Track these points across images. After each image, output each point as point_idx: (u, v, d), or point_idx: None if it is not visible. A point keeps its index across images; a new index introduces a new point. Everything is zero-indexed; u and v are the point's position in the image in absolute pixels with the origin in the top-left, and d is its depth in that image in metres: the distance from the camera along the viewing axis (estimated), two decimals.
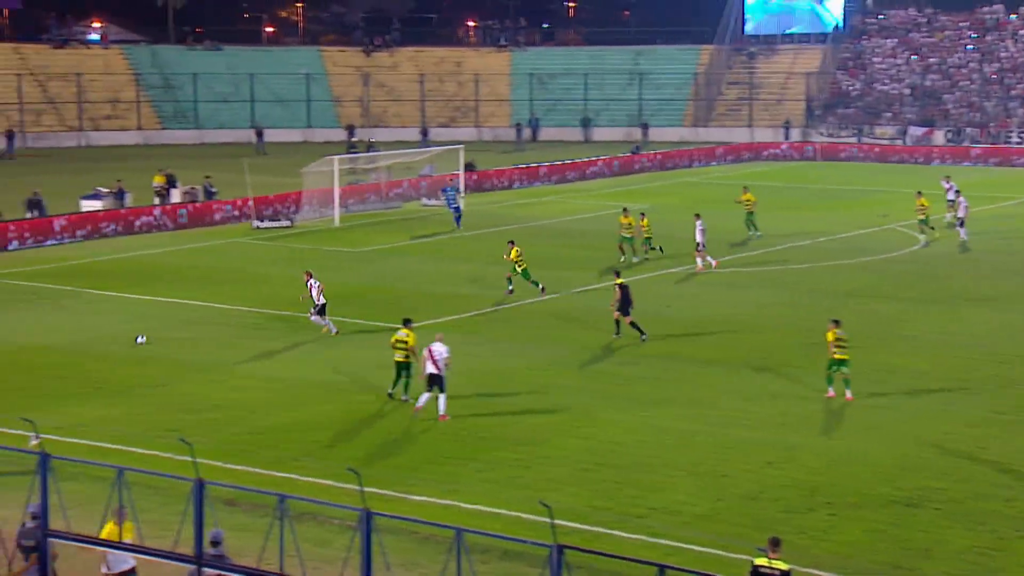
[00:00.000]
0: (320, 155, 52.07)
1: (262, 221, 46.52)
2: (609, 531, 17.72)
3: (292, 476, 19.63)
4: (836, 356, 23.96)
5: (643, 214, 40.03)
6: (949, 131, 74.50)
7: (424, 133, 77.41)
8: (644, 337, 28.46)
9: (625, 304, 28.53)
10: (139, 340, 28.29)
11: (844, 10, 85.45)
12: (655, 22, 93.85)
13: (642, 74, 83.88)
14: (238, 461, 20.26)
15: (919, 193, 43.93)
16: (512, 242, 33.85)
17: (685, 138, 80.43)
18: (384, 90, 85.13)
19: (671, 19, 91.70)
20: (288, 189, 49.80)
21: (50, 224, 42.50)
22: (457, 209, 46.12)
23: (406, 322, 24.26)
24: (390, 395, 23.95)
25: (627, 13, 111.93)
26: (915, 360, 27.02)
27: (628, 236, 38.72)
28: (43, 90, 77.32)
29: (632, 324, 28.56)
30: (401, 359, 23.63)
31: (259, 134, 74.69)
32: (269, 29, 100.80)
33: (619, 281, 28.87)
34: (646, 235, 39.08)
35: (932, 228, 42.87)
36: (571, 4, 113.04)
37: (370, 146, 65.89)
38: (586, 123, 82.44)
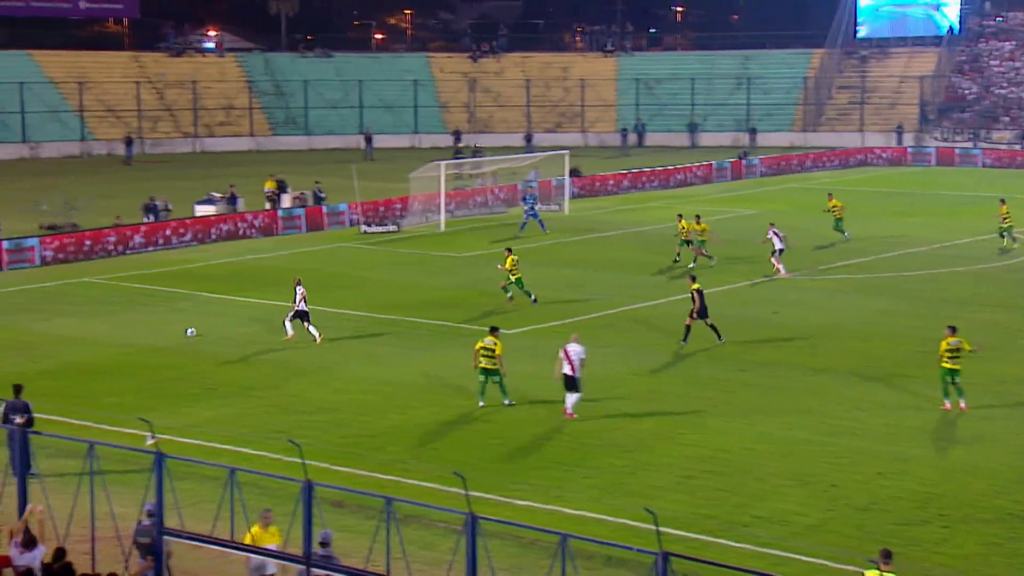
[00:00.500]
0: (427, 160, 52.51)
1: (369, 226, 47.07)
2: (715, 539, 17.54)
3: (398, 479, 19.82)
4: (946, 366, 23.50)
5: (698, 217, 40.23)
6: None
7: (529, 138, 77.61)
8: (721, 340, 28.33)
9: (702, 308, 28.44)
10: (189, 333, 29.48)
11: (960, 13, 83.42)
12: (764, 26, 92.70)
13: (751, 78, 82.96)
14: (345, 463, 20.52)
15: (1002, 201, 42.90)
16: (509, 250, 33.61)
17: (794, 143, 79.24)
18: (490, 96, 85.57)
19: (781, 23, 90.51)
20: (395, 194, 50.32)
21: (165, 228, 43.58)
22: (535, 215, 45.89)
23: (493, 330, 24.42)
24: (481, 406, 23.84)
25: (736, 17, 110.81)
26: None
27: (687, 239, 39.16)
28: (160, 97, 79.41)
29: (711, 326, 28.42)
30: (488, 366, 23.70)
31: (368, 139, 75.63)
32: (378, 36, 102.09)
33: (694, 287, 28.76)
34: (700, 239, 39.10)
35: (1014, 238, 41.45)
36: (679, 9, 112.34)
37: (476, 151, 66.25)
38: (693, 128, 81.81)
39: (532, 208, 46.52)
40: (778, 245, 37.17)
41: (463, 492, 13.97)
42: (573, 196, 54.19)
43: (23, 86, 71.97)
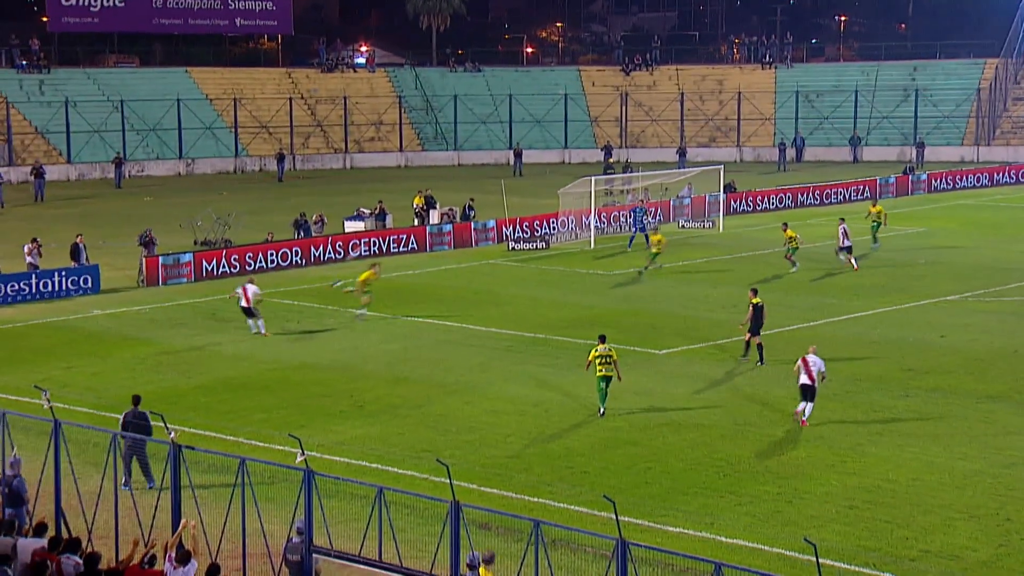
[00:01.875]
0: (577, 176, 52.62)
1: (518, 243, 47.40)
2: (879, 572, 17.11)
3: (546, 502, 19.88)
4: None
5: (785, 224, 42.10)
6: None
7: (682, 153, 77.17)
8: (761, 363, 28.33)
9: (756, 324, 28.54)
10: (336, 284, 30.70)
11: None
12: (934, 35, 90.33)
13: (919, 90, 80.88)
14: (492, 484, 20.68)
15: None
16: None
17: (965, 158, 76.88)
18: (642, 109, 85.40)
19: (952, 31, 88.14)
20: (544, 210, 50.60)
21: (315, 244, 44.70)
22: (643, 229, 46.24)
23: (602, 338, 25.17)
24: (601, 415, 24.62)
25: (903, 26, 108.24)
26: None
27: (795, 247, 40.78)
28: (311, 113, 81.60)
29: (758, 346, 28.57)
30: (608, 373, 24.63)
31: (517, 155, 76.21)
32: (529, 50, 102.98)
33: (755, 300, 28.80)
34: (793, 245, 40.48)
35: None
36: (842, 18, 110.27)
37: (627, 167, 66.20)
38: (855, 142, 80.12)
39: (641, 222, 46.77)
40: (845, 243, 39.98)
41: (613, 517, 13.96)
42: (728, 213, 53.62)
43: (180, 103, 74.83)
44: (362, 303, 34.52)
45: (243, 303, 32.59)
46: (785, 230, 41.38)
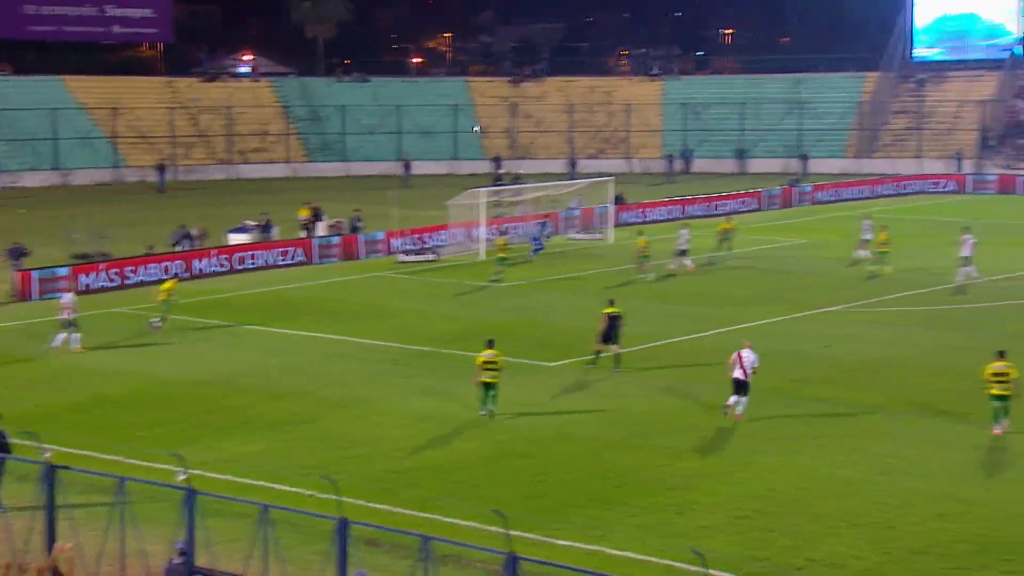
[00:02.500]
0: (466, 187, 52.77)
1: (407, 255, 47.30)
2: None
3: (435, 516, 19.85)
4: (994, 392, 24.03)
5: (640, 232, 44.34)
6: None
7: (572, 164, 77.83)
8: (617, 370, 28.94)
9: (611, 333, 29.12)
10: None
11: (1022, 35, 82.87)
12: (816, 48, 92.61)
13: (802, 103, 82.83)
14: (380, 500, 20.58)
15: (884, 228, 44.37)
16: None
17: (847, 170, 78.93)
18: (532, 121, 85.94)
19: (834, 45, 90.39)
20: (433, 222, 50.57)
21: (198, 257, 44.02)
22: (537, 241, 48.20)
23: (490, 343, 25.73)
24: (482, 415, 25.23)
25: (786, 39, 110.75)
26: None
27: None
28: (194, 123, 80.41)
29: (616, 356, 29.24)
30: (491, 379, 25.20)
31: (406, 166, 76.10)
32: (416, 60, 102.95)
33: (609, 310, 29.46)
34: (645, 254, 42.40)
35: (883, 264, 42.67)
36: (727, 31, 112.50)
37: (516, 178, 66.55)
38: (741, 154, 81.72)
39: (539, 238, 48.51)
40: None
41: (503, 531, 14.00)
42: (617, 224, 54.21)
43: (55, 112, 73.07)
44: (161, 310, 34.66)
45: (66, 315, 31.71)
46: (639, 239, 42.90)
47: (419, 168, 77.83)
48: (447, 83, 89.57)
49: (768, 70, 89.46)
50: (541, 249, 48.03)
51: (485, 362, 25.30)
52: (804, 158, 78.66)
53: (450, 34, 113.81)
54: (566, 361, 30.59)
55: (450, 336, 33.55)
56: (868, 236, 45.87)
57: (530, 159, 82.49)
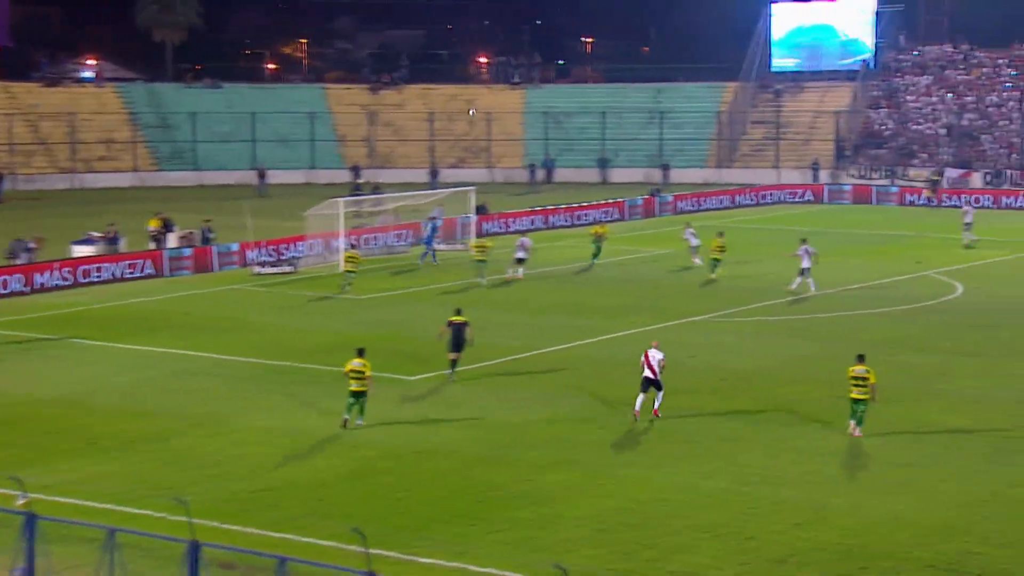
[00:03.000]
0: (324, 197, 52.38)
1: (263, 267, 46.72)
2: None
3: (294, 537, 19.61)
4: (853, 395, 25.07)
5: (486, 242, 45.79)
6: (988, 173, 74.56)
7: (434, 174, 77.88)
8: (451, 377, 29.65)
9: (456, 342, 29.78)
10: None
11: (876, 46, 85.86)
12: (676, 58, 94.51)
13: (663, 112, 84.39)
14: (236, 521, 20.25)
15: (720, 234, 45.86)
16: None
17: (708, 179, 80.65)
18: (391, 129, 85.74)
19: (693, 55, 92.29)
20: (290, 233, 50.07)
21: (39, 270, 42.72)
22: (429, 242, 48.66)
23: (360, 352, 25.91)
24: (345, 423, 25.56)
25: (646, 49, 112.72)
26: (954, 416, 26.94)
27: (481, 259, 44.09)
28: (34, 130, 78.08)
29: (453, 361, 29.85)
30: (359, 388, 25.53)
31: (261, 175, 75.18)
32: (271, 66, 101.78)
33: (454, 318, 30.13)
34: (480, 257, 44.11)
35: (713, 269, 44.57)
36: (588, 40, 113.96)
37: (376, 188, 66.30)
38: (603, 164, 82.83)
39: (431, 238, 48.85)
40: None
41: (362, 550, 13.91)
42: (479, 234, 54.38)
43: None
44: None
45: None
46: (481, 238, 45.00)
47: (275, 177, 76.97)
48: (304, 90, 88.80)
49: (629, 79, 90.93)
50: (431, 252, 48.57)
51: (352, 371, 25.58)
52: (666, 168, 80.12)
53: (306, 40, 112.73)
54: (429, 374, 30.55)
55: (309, 350, 33.24)
56: (695, 243, 47.67)
57: (390, 168, 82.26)
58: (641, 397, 26.38)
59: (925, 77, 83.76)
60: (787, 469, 23.41)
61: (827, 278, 44.67)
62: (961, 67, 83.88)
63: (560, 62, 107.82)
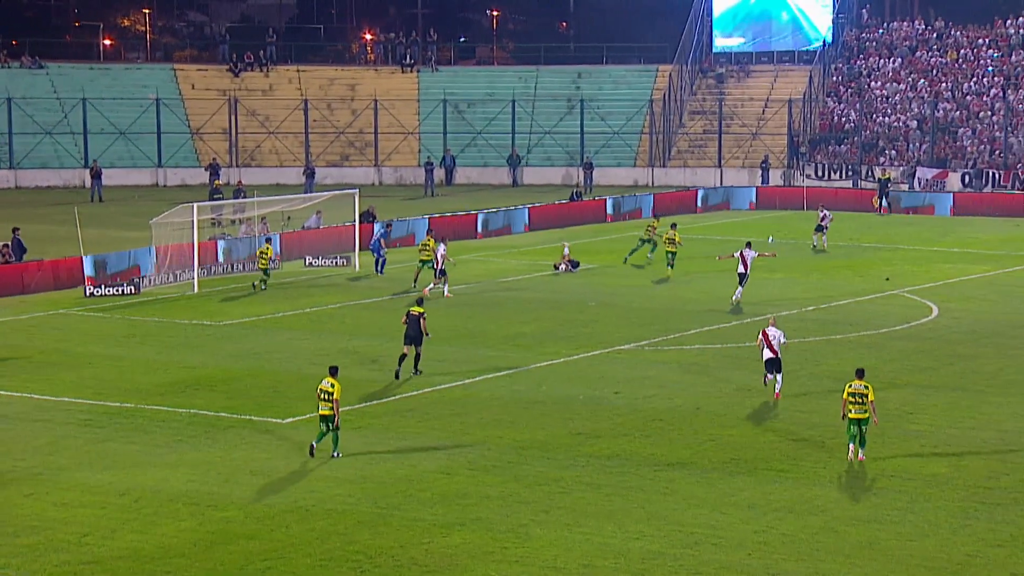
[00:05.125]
0: (174, 202, 51.89)
1: (98, 287, 46.19)
2: None
3: None
4: (853, 416, 26.81)
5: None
6: (967, 174, 76.18)
7: (310, 174, 77.58)
8: (415, 373, 33.74)
9: (411, 335, 33.47)
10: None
11: (834, 22, 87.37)
12: (600, 36, 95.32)
13: (584, 100, 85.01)
14: None
15: (673, 226, 51.14)
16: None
17: (639, 181, 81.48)
18: (257, 120, 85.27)
19: (621, 33, 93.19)
20: (134, 245, 49.47)
21: None
22: (378, 250, 50.34)
23: (332, 371, 27.64)
24: (312, 448, 27.17)
25: (564, 25, 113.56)
26: (928, 463, 27.42)
27: (426, 259, 46.58)
28: None
29: (416, 355, 33.69)
30: (326, 412, 27.10)
31: (96, 175, 74.31)
32: (107, 42, 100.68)
33: (414, 309, 33.75)
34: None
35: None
36: (495, 13, 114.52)
37: (239, 191, 65.88)
38: (514, 162, 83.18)
39: (380, 245, 50.55)
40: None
41: None
42: (365, 247, 54.26)
43: None
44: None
45: None
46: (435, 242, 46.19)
47: (113, 178, 76.22)
48: (148, 71, 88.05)
49: (544, 61, 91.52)
50: (383, 261, 50.00)
51: (321, 391, 27.29)
52: (589, 167, 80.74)
53: (150, 10, 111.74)
54: (304, 416, 30.37)
55: (156, 389, 32.91)
56: (566, 252, 50.90)
57: (256, 167, 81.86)
58: (769, 378, 31.55)
59: (892, 60, 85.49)
60: (735, 527, 23.63)
61: (781, 297, 45.30)
62: (935, 48, 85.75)
63: (461, 39, 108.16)
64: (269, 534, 23.22)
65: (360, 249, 52.52)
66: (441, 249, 46.26)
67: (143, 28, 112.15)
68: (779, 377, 31.50)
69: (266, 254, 47.06)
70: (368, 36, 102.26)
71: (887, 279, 49.49)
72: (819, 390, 32.86)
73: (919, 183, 76.00)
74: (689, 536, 23.18)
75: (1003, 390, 33.41)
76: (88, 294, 45.73)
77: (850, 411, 26.72)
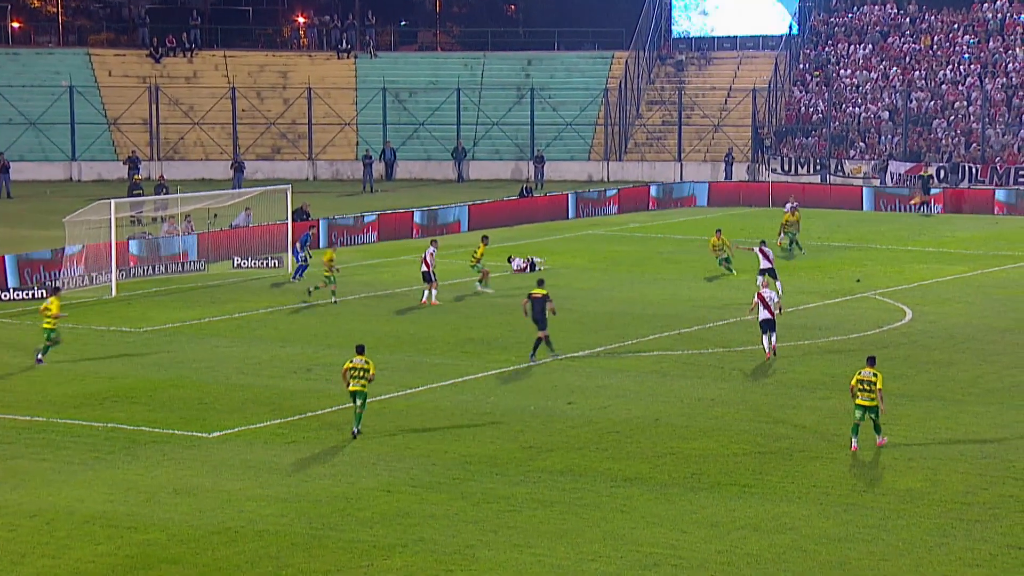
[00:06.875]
0: (90, 198, 51.58)
1: (5, 291, 45.88)
2: None
3: None
4: (860, 402, 28.36)
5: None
6: (942, 168, 76.74)
7: (239, 168, 77.27)
8: (552, 355, 36.53)
9: (538, 318, 36.48)
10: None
11: (800, 6, 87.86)
12: (552, 20, 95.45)
13: (534, 89, 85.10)
14: None
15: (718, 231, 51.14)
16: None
17: (593, 176, 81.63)
18: (180, 109, 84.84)
19: (573, 17, 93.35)
20: (45, 245, 49.09)
21: None
22: (300, 256, 49.61)
23: (360, 348, 29.91)
24: (354, 434, 29.36)
25: (513, 8, 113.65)
26: (901, 477, 27.61)
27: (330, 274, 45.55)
28: None
29: (546, 339, 36.61)
30: (358, 388, 29.33)
31: (3, 169, 73.81)
32: (16, 25, 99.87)
33: (536, 292, 36.99)
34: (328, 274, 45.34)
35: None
36: None
37: (160, 186, 65.56)
38: (460, 155, 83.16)
39: (302, 255, 49.78)
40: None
41: None
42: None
43: None
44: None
45: None
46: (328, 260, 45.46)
47: (22, 172, 75.75)
48: (60, 56, 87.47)
49: (492, 47, 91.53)
50: (305, 267, 49.10)
51: (351, 368, 29.38)
52: (540, 160, 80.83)
53: None
54: (232, 430, 30.26)
55: (71, 401, 32.76)
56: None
57: (180, 160, 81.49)
58: (766, 339, 35.71)
59: (863, 46, 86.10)
60: (697, 547, 23.71)
61: (745, 299, 45.48)
62: (908, 33, 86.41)
63: (402, 23, 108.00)
64: (194, 558, 23.11)
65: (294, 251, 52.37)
66: (430, 250, 45.59)
67: (54, 9, 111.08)
68: (774, 336, 35.80)
69: (333, 261, 45.63)
70: (301, 19, 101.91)
71: (858, 280, 49.81)
72: (785, 399, 33.04)
73: (891, 178, 76.50)
74: (648, 557, 23.24)
75: (981, 399, 33.67)
76: None
77: (858, 397, 28.40)
